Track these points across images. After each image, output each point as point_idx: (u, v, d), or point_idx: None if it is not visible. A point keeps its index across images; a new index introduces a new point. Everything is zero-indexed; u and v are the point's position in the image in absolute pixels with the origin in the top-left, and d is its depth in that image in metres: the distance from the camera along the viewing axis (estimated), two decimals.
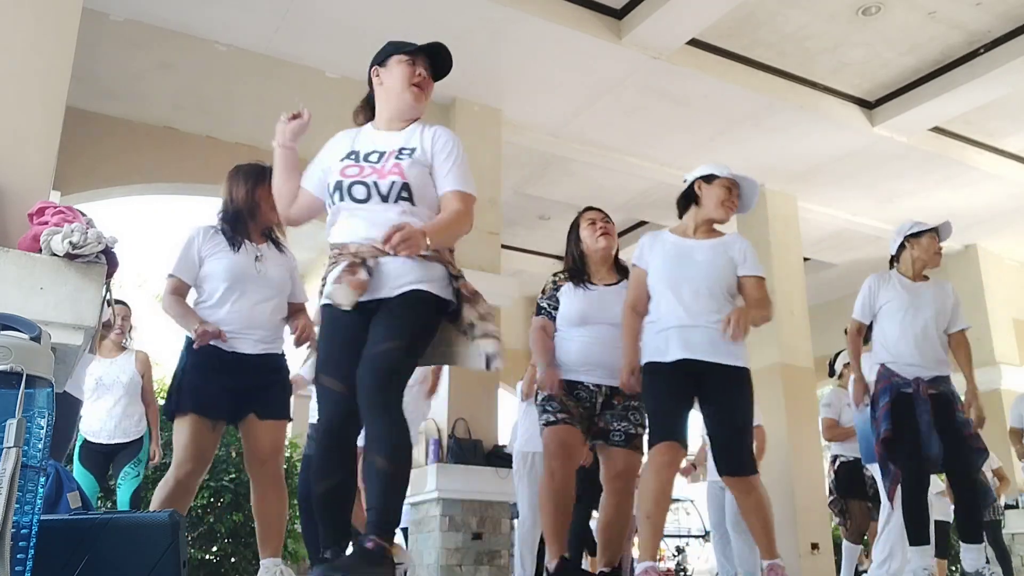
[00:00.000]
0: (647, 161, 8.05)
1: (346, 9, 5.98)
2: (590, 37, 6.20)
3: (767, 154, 7.92)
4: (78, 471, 4.85)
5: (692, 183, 3.47)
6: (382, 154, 2.50)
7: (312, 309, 3.32)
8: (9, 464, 1.74)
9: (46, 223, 2.64)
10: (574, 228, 3.66)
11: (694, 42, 6.53)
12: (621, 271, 3.64)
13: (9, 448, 1.75)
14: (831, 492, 5.71)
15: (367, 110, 2.72)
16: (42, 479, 1.90)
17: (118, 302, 5.11)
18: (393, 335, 2.29)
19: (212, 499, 6.37)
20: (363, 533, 2.15)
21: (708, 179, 3.44)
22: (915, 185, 8.51)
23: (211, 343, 3.03)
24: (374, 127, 2.64)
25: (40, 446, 1.86)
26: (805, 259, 8.97)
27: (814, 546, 7.44)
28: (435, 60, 2.63)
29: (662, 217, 9.14)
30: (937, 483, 6.22)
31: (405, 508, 7.21)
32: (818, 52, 6.74)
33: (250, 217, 3.22)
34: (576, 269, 3.58)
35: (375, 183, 2.44)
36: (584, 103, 7.08)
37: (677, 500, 9.57)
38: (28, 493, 1.84)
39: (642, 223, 9.70)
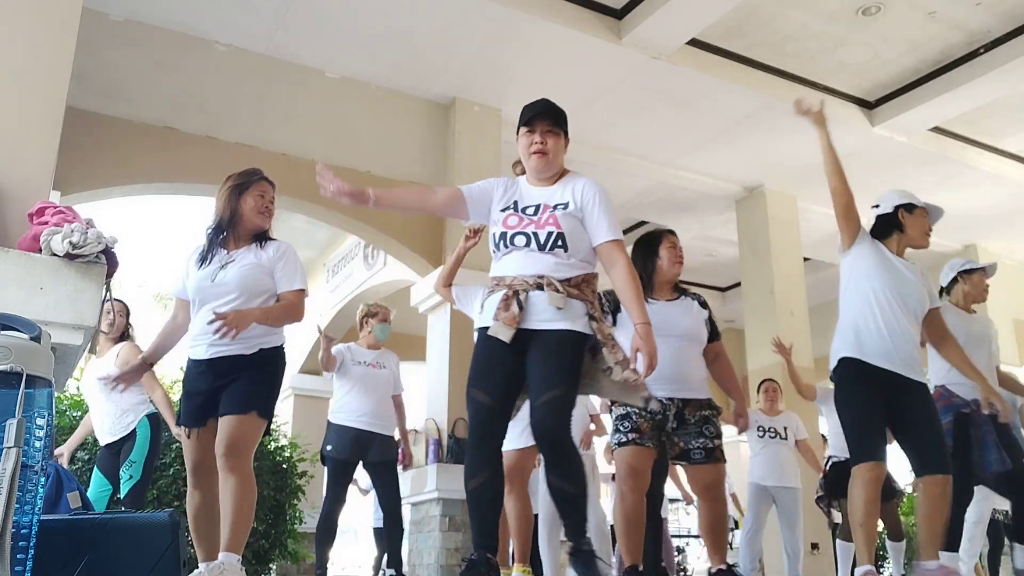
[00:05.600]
0: (647, 161, 8.05)
1: (346, 9, 5.98)
2: (590, 37, 6.19)
3: (767, 154, 7.92)
4: (95, 478, 4.82)
5: (895, 211, 3.62)
6: (538, 207, 2.83)
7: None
8: (9, 464, 1.74)
9: (46, 223, 2.64)
10: (649, 245, 3.71)
11: (694, 42, 6.53)
12: (678, 289, 3.76)
13: (9, 448, 1.75)
14: (820, 490, 5.79)
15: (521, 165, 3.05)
16: (42, 479, 1.90)
17: (115, 300, 5.06)
18: (557, 381, 2.65)
19: None
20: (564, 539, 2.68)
21: (909, 208, 3.61)
22: (915, 185, 8.42)
23: (190, 353, 3.17)
24: (527, 181, 2.94)
25: (40, 446, 1.86)
26: (805, 259, 8.96)
27: (814, 546, 7.43)
28: (557, 116, 2.89)
29: (662, 217, 9.14)
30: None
31: (406, 509, 7.23)
32: (818, 52, 6.74)
33: (230, 227, 3.23)
34: (645, 286, 3.56)
35: (534, 233, 2.77)
36: (584, 103, 7.08)
37: (676, 500, 9.57)
38: (28, 493, 1.84)
39: (642, 223, 9.69)
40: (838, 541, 5.81)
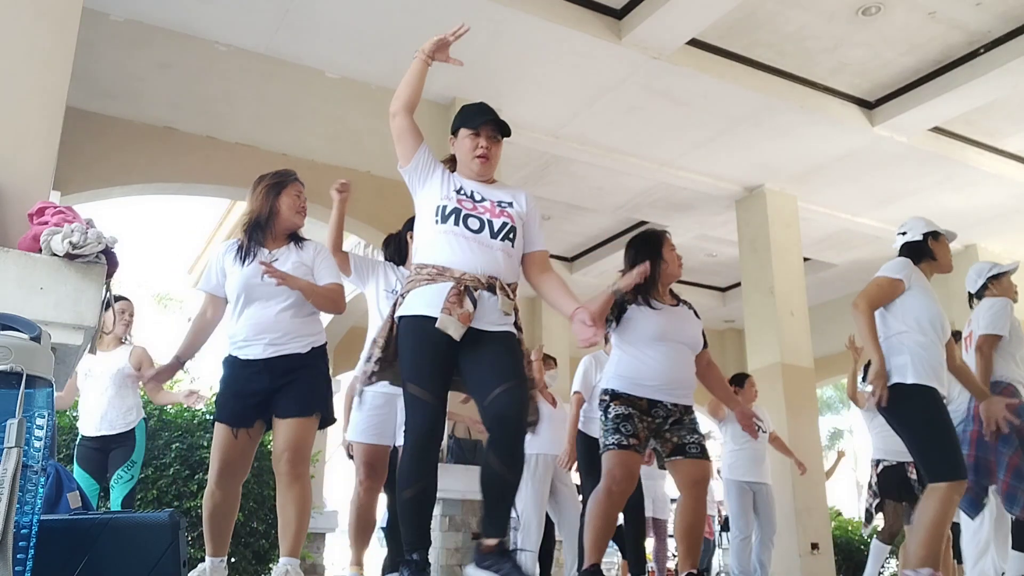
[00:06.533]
0: (647, 161, 8.05)
1: (346, 9, 5.98)
2: (590, 37, 6.19)
3: (767, 154, 7.92)
4: (76, 472, 4.79)
5: (925, 239, 3.74)
6: (484, 198, 2.79)
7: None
8: (10, 464, 1.74)
9: (46, 223, 2.64)
10: (651, 246, 3.70)
11: (694, 42, 6.53)
12: (673, 295, 3.75)
13: (10, 448, 1.75)
14: (874, 495, 5.81)
15: (452, 162, 2.95)
16: (42, 479, 1.90)
17: (121, 298, 5.11)
18: (517, 373, 2.59)
19: None
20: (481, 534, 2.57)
21: (936, 236, 3.75)
22: (915, 185, 8.51)
23: (231, 353, 3.17)
24: (463, 176, 2.87)
25: (40, 446, 1.86)
26: (805, 259, 8.96)
27: (814, 546, 7.44)
28: (502, 125, 2.89)
29: (662, 217, 9.14)
30: None
31: None
32: (818, 52, 6.74)
33: (267, 226, 3.27)
34: (646, 287, 3.59)
35: (489, 220, 2.72)
36: (584, 103, 7.08)
37: (676, 500, 9.60)
38: (28, 493, 1.84)
39: (642, 223, 9.68)
40: (875, 541, 5.84)
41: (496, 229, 2.71)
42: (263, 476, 6.24)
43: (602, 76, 6.70)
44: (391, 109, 2.89)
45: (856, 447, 28.72)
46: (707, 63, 6.67)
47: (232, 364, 3.16)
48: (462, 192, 2.77)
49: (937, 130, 7.80)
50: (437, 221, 2.71)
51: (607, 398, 3.54)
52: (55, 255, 2.54)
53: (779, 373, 7.85)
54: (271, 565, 6.68)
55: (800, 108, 7.15)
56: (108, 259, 2.65)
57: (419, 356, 2.60)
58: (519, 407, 2.53)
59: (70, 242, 2.50)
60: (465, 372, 2.63)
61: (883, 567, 8.84)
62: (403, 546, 2.59)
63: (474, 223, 2.70)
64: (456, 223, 2.69)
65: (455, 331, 2.53)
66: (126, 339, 5.07)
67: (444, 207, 2.72)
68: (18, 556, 1.81)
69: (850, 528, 10.41)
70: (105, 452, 4.86)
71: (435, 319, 2.55)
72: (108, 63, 6.05)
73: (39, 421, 1.86)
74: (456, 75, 6.78)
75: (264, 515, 6.21)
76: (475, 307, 2.57)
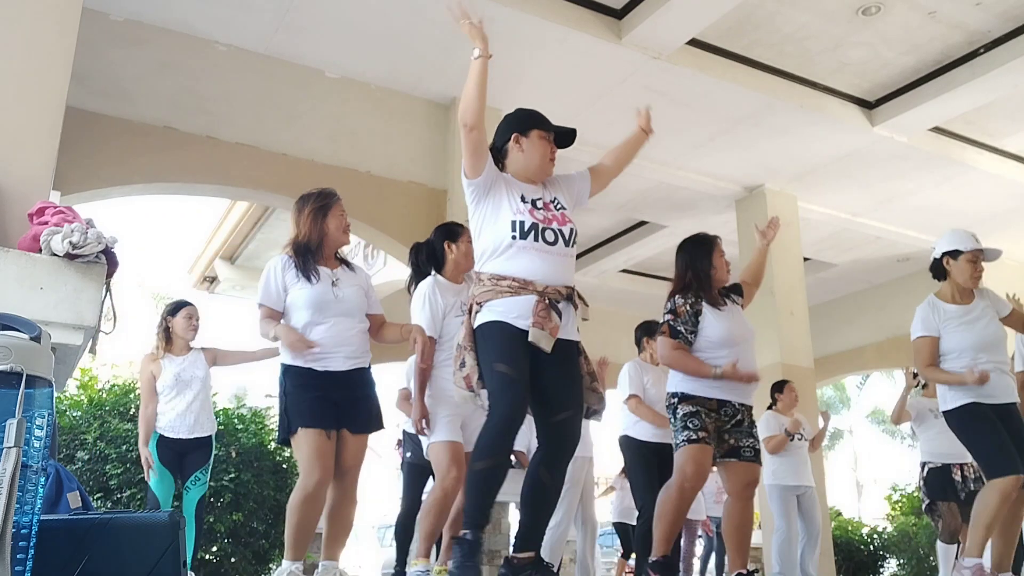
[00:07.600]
0: (647, 161, 8.04)
1: (346, 9, 5.98)
2: (590, 37, 6.19)
3: (767, 154, 7.92)
4: (160, 471, 4.82)
5: (941, 257, 3.94)
6: (546, 203, 2.87)
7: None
8: (9, 464, 1.74)
9: (46, 223, 2.65)
10: (704, 249, 3.80)
11: (694, 42, 6.52)
12: (722, 295, 3.86)
13: (9, 448, 1.75)
14: (925, 497, 5.86)
15: (494, 157, 2.97)
16: (42, 479, 1.90)
17: (188, 303, 5.16)
18: (580, 400, 2.78)
19: (212, 499, 6.37)
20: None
21: (955, 255, 3.92)
22: (915, 185, 8.51)
23: (303, 365, 3.24)
24: (518, 179, 2.94)
25: (40, 446, 1.86)
26: (805, 259, 8.96)
27: None
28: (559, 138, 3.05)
29: (662, 217, 9.14)
30: None
31: None
32: (818, 52, 6.74)
33: (318, 248, 3.38)
34: (706, 291, 3.73)
35: (559, 230, 2.82)
36: (584, 103, 7.07)
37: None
38: (28, 493, 1.84)
39: (642, 223, 9.69)
40: (939, 543, 5.85)
41: (567, 237, 2.83)
42: (263, 476, 6.24)
43: (602, 76, 6.70)
44: (466, 121, 2.84)
45: (856, 447, 28.75)
46: (707, 63, 6.67)
47: (306, 375, 3.23)
48: (525, 200, 2.85)
49: (937, 130, 7.80)
50: (515, 236, 2.77)
51: (675, 400, 3.63)
52: (55, 255, 2.54)
53: (779, 373, 7.84)
54: (271, 565, 6.69)
55: (800, 108, 7.15)
56: (108, 259, 2.65)
57: (508, 344, 2.69)
58: (579, 435, 2.73)
59: (70, 242, 2.50)
60: (540, 374, 2.72)
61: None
62: (464, 521, 2.67)
63: (550, 236, 2.79)
64: (536, 239, 2.77)
65: (547, 344, 2.65)
66: (191, 343, 5.12)
67: (523, 223, 2.79)
68: (18, 556, 1.81)
69: (850, 528, 10.41)
70: (184, 454, 4.92)
71: (523, 329, 2.66)
72: (108, 63, 6.05)
73: (39, 421, 1.86)
74: (456, 75, 6.78)
75: (264, 515, 6.22)
76: (561, 319, 2.70)
